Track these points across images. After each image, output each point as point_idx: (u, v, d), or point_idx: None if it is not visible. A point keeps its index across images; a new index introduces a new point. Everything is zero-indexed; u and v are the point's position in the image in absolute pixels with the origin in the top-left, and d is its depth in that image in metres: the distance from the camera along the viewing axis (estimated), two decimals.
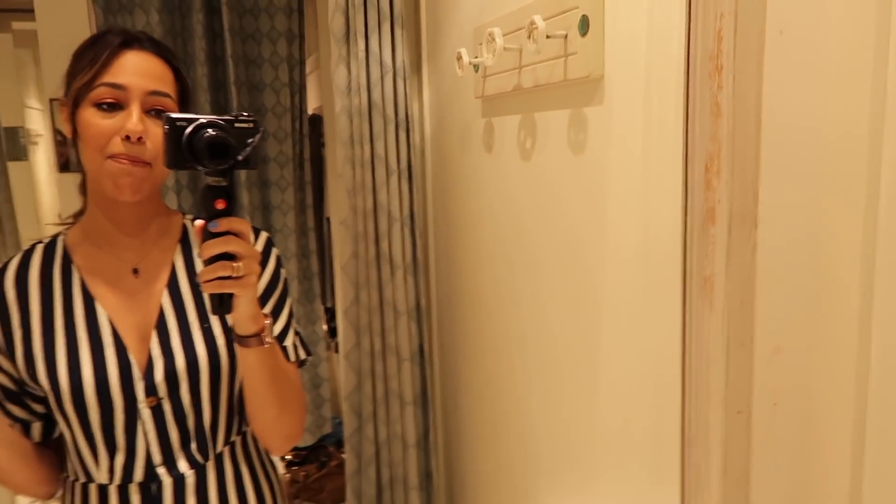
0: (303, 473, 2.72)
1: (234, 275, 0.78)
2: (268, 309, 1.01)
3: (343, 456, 1.87)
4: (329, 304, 2.94)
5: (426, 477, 1.78)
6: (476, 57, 1.36)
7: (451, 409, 1.82)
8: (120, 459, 0.93)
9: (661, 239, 0.88)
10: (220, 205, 0.78)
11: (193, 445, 0.96)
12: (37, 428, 0.99)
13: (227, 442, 1.00)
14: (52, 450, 1.00)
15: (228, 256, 0.78)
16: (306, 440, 2.83)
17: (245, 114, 0.79)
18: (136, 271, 0.97)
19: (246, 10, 2.52)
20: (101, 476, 0.94)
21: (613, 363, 1.03)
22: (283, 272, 1.05)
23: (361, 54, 1.60)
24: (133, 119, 0.87)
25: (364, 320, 1.70)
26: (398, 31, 1.62)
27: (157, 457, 0.94)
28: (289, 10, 2.56)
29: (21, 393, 0.96)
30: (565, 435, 1.18)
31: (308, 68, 2.81)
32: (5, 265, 0.97)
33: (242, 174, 2.47)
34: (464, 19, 1.50)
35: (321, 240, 2.92)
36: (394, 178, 1.65)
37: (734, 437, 0.62)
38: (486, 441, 1.57)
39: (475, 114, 1.49)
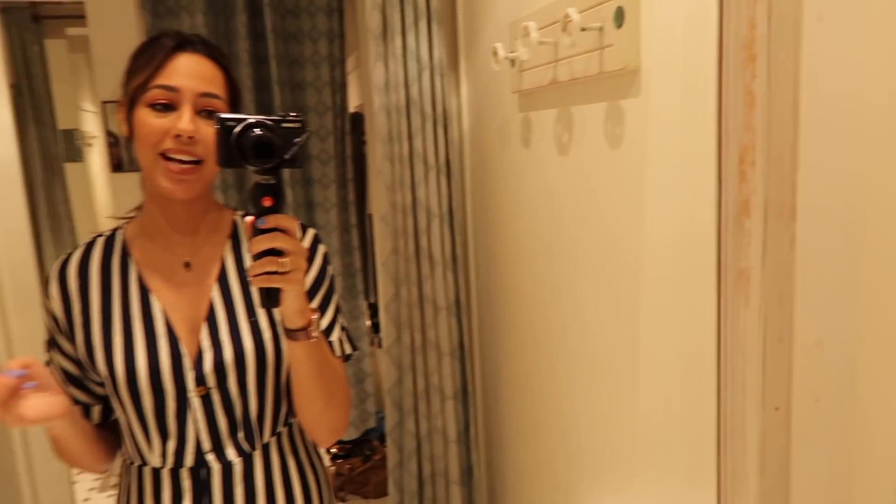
0: (347, 466, 2.76)
1: (281, 270, 0.80)
2: (315, 304, 1.03)
3: (386, 450, 1.90)
4: (372, 300, 2.97)
5: (467, 471, 1.79)
6: (512, 52, 1.35)
7: (491, 404, 1.82)
8: (171, 445, 0.96)
9: (699, 233, 0.87)
10: (268, 202, 0.80)
11: (241, 434, 0.99)
12: (96, 411, 1.03)
13: (274, 432, 1.03)
14: (109, 431, 1.04)
15: (276, 252, 0.80)
16: (351, 434, 2.87)
17: (293, 114, 0.81)
18: (188, 265, 1.00)
19: (288, 10, 2.55)
20: (154, 460, 0.98)
21: (652, 359, 1.01)
22: (329, 268, 1.07)
23: (399, 51, 1.61)
24: (185, 119, 0.90)
25: (404, 315, 1.71)
26: (435, 28, 1.62)
27: (206, 444, 0.97)
28: (329, 9, 2.59)
29: (82, 377, 1.00)
30: (606, 432, 1.17)
31: (349, 67, 2.84)
32: (68, 256, 1.01)
33: (287, 172, 2.52)
34: (500, 14, 1.49)
35: (364, 236, 2.95)
36: (432, 174, 1.66)
37: (772, 434, 0.61)
38: (526, 437, 1.57)
39: (512, 109, 1.49)
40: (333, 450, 2.88)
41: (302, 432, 1.08)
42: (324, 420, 1.00)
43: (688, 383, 0.92)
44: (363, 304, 2.92)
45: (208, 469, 0.97)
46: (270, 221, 0.80)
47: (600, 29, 1.06)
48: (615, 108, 1.07)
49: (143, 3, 2.28)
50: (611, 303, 1.12)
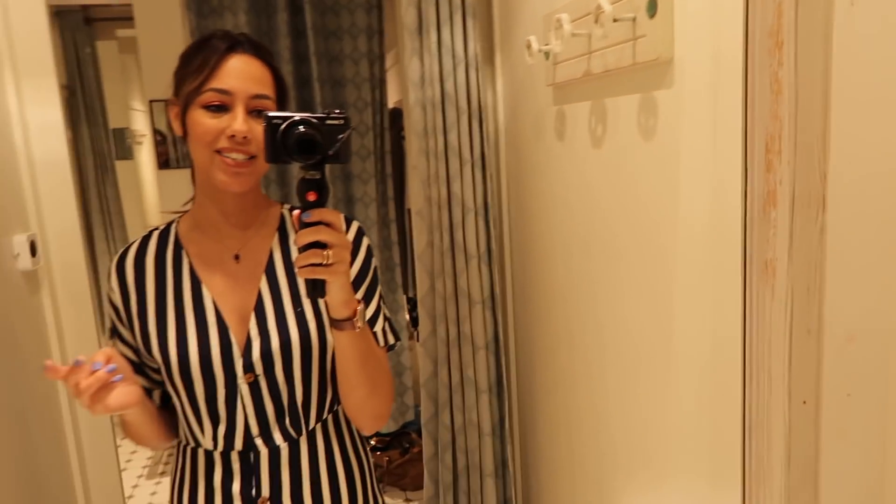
0: (386, 459, 2.79)
1: (325, 262, 0.83)
2: (359, 295, 1.06)
3: None
4: (411, 294, 2.99)
5: (501, 465, 1.79)
6: (546, 44, 1.35)
7: (527, 398, 1.82)
8: (222, 429, 1.01)
9: (732, 225, 0.85)
10: (312, 196, 0.83)
11: (287, 420, 1.02)
12: (157, 395, 1.09)
13: (319, 419, 1.06)
14: (169, 412, 1.09)
15: (321, 245, 0.83)
16: (389, 426, 2.91)
17: (337, 111, 0.83)
18: (237, 257, 1.04)
19: (328, 7, 2.59)
20: (206, 443, 1.02)
21: (686, 355, 1.00)
22: (373, 260, 1.10)
23: (434, 46, 1.62)
24: (238, 121, 0.94)
25: (440, 309, 1.73)
26: (469, 22, 1.62)
27: (254, 428, 1.01)
28: (368, 6, 2.61)
29: (141, 364, 1.05)
30: (639, 428, 1.16)
31: (388, 63, 2.87)
32: (126, 249, 1.06)
33: (329, 167, 2.54)
34: (535, 7, 1.49)
35: (403, 231, 2.98)
36: (467, 169, 1.66)
37: (799, 427, 0.60)
38: (560, 432, 1.57)
39: (547, 102, 1.48)
40: (372, 442, 2.91)
41: (346, 419, 1.11)
42: (368, 407, 1.03)
43: (719, 378, 0.90)
44: (402, 299, 2.94)
45: (257, 453, 1.01)
46: (315, 215, 0.83)
47: (633, 19, 1.05)
48: (648, 99, 1.06)
49: (189, 4, 2.34)
50: (645, 298, 1.11)
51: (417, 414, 2.95)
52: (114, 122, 3.89)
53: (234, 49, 0.97)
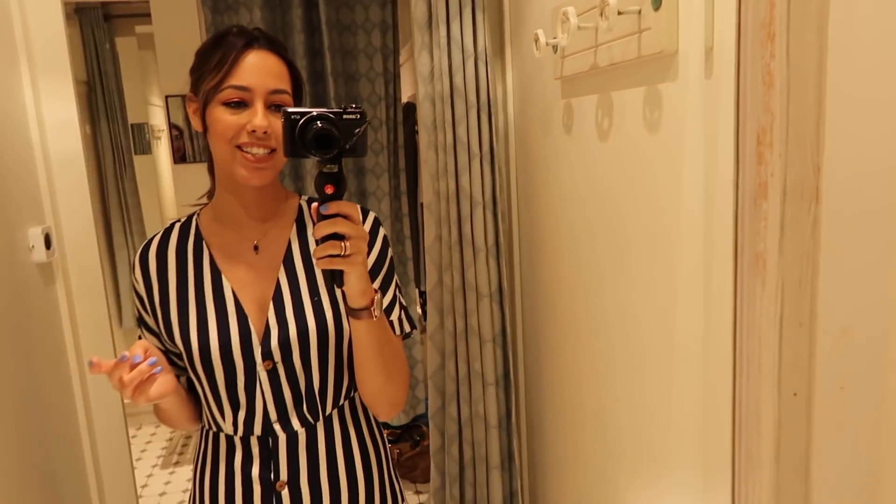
0: (397, 451, 2.81)
1: (343, 253, 0.85)
2: (376, 285, 1.08)
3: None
4: (423, 288, 3.00)
5: (508, 457, 1.80)
6: (553, 38, 1.35)
7: (534, 392, 1.82)
8: (242, 414, 1.04)
9: (731, 218, 0.85)
10: (330, 189, 0.85)
11: (305, 406, 1.05)
12: (183, 380, 1.12)
13: (336, 405, 1.08)
14: (196, 397, 1.12)
15: (338, 236, 0.85)
16: (400, 419, 2.92)
17: (353, 105, 0.86)
18: (256, 248, 1.07)
19: (342, 2, 2.60)
20: (227, 428, 1.06)
21: (689, 349, 1.00)
22: (389, 251, 1.12)
23: (443, 40, 1.62)
24: (259, 116, 0.96)
25: (447, 302, 1.73)
26: (479, 16, 1.62)
27: (273, 414, 1.04)
28: (382, 1, 2.62)
29: (167, 351, 1.08)
30: (645, 423, 1.16)
31: (402, 58, 2.87)
32: (149, 241, 1.10)
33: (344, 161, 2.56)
34: (543, 0, 1.48)
35: (415, 225, 2.99)
36: (476, 162, 1.67)
37: (789, 419, 0.60)
38: (566, 426, 1.57)
39: (555, 95, 1.48)
40: None
41: (363, 406, 1.13)
42: (384, 394, 1.06)
43: (720, 371, 0.90)
44: (414, 292, 2.96)
45: (275, 438, 1.04)
46: (332, 207, 0.85)
47: (638, 12, 1.04)
48: (653, 92, 1.06)
49: (204, 0, 2.36)
50: (651, 291, 1.11)
51: (428, 407, 2.96)
52: (132, 118, 3.93)
53: (251, 45, 0.99)
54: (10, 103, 1.44)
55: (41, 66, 1.53)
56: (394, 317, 1.10)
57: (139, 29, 3.73)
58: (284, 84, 1.01)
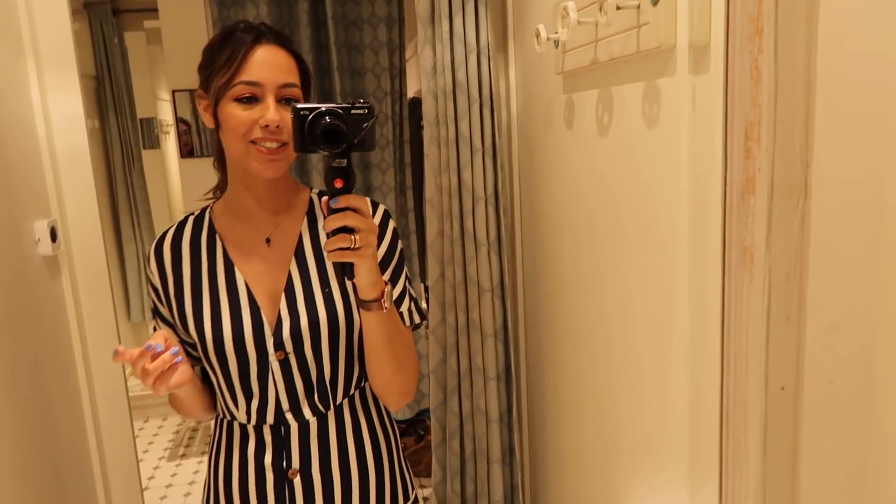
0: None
1: (353, 246, 0.87)
2: (386, 276, 1.09)
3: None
4: (429, 283, 3.01)
5: (509, 451, 1.81)
6: (555, 33, 1.35)
7: (535, 387, 1.83)
8: (255, 404, 1.06)
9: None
10: (339, 183, 0.87)
11: (316, 396, 1.07)
12: (198, 369, 1.14)
13: (347, 395, 1.10)
14: (210, 386, 1.14)
15: (348, 230, 0.87)
16: (405, 413, 2.93)
17: (361, 100, 0.87)
18: (268, 241, 1.09)
19: None
20: (240, 416, 1.08)
21: (684, 344, 1.00)
22: (399, 243, 1.13)
23: (446, 35, 1.63)
24: (270, 111, 0.98)
25: (449, 296, 1.74)
26: (482, 11, 1.63)
27: (285, 403, 1.06)
28: None
29: (181, 342, 1.10)
30: (644, 419, 1.16)
31: (408, 53, 2.87)
32: (164, 234, 1.12)
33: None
34: None
35: (421, 220, 2.99)
36: (478, 157, 1.67)
37: (776, 413, 0.60)
38: (567, 421, 1.57)
39: (557, 90, 1.48)
40: None
41: (373, 396, 1.15)
42: (394, 385, 1.07)
43: (712, 367, 0.90)
44: (420, 287, 2.97)
45: (287, 426, 1.06)
46: (342, 201, 0.87)
47: (637, 7, 1.04)
48: (652, 87, 1.06)
49: None
50: (650, 286, 1.11)
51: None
52: (141, 112, 3.96)
53: (259, 41, 1.01)
54: (16, 98, 1.45)
55: (47, 60, 1.54)
56: (403, 308, 1.11)
57: (147, 24, 3.75)
58: (293, 77, 1.03)
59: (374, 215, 1.10)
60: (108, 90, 3.64)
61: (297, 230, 1.10)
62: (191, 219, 1.12)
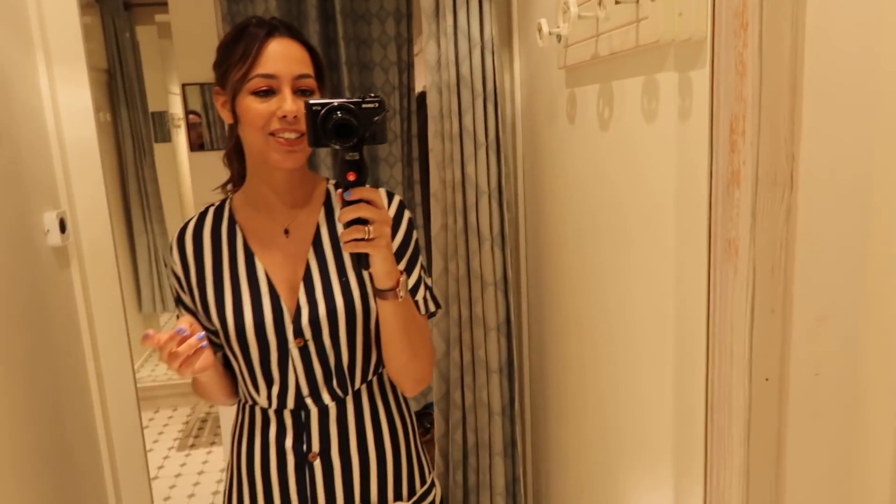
0: None
1: (367, 237, 0.89)
2: (401, 266, 1.12)
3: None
4: (433, 276, 3.02)
5: (511, 444, 1.82)
6: (556, 27, 1.35)
7: (537, 380, 1.84)
8: (275, 389, 1.09)
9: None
10: (352, 176, 0.89)
11: (334, 381, 1.10)
12: (220, 356, 1.17)
13: (364, 381, 1.13)
14: (232, 373, 1.18)
15: (363, 221, 0.89)
16: (411, 406, 2.95)
17: (372, 95, 0.90)
18: (286, 231, 1.12)
19: None
20: (262, 401, 1.11)
21: (683, 339, 1.01)
22: (414, 233, 1.16)
23: (450, 29, 1.63)
24: (288, 102, 1.01)
25: (452, 290, 1.75)
26: (486, 6, 1.63)
27: (304, 389, 1.09)
28: None
29: (204, 329, 1.13)
30: (645, 413, 1.17)
31: (416, 47, 2.87)
32: (185, 224, 1.15)
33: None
34: None
35: (428, 214, 3.00)
36: (481, 151, 1.68)
37: (760, 404, 0.61)
38: (568, 414, 1.58)
39: (560, 85, 1.49)
40: None
41: (390, 382, 1.18)
42: (409, 371, 1.10)
43: (702, 359, 0.91)
44: (428, 280, 2.97)
45: (307, 411, 1.10)
46: (355, 193, 0.89)
47: (636, 2, 1.05)
48: (651, 81, 1.06)
49: None
50: (645, 280, 1.12)
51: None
52: (153, 106, 4.00)
53: (272, 34, 1.03)
54: (25, 90, 1.48)
55: (56, 53, 1.57)
56: (419, 297, 1.14)
57: (159, 18, 3.78)
58: (308, 69, 1.05)
59: (389, 206, 1.12)
60: (120, 84, 3.68)
61: (314, 221, 1.12)
62: (211, 210, 1.16)
